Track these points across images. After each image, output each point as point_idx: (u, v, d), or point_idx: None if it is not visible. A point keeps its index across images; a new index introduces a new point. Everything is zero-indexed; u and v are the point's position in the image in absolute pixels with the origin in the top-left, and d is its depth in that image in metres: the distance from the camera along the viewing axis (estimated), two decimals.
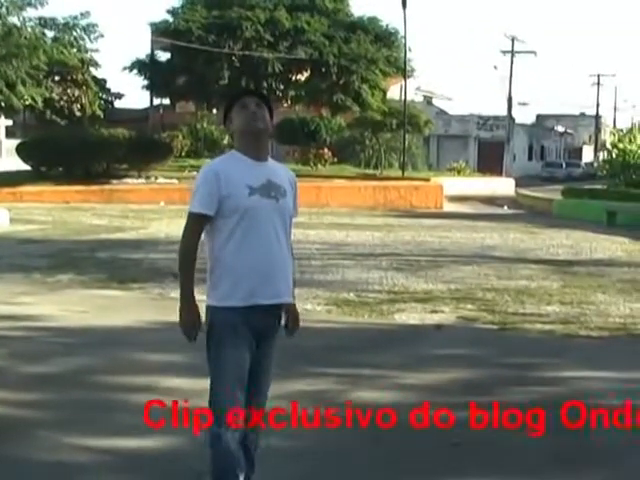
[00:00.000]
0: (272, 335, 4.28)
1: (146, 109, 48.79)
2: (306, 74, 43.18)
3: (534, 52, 64.59)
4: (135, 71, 43.41)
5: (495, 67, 63.93)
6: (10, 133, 42.99)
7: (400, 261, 15.12)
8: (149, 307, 9.62)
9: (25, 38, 36.35)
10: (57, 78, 45.41)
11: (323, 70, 41.47)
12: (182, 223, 4.29)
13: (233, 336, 4.08)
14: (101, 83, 50.12)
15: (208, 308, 4.18)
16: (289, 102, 43.86)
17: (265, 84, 41.33)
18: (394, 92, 47.77)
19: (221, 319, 4.12)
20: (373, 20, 43.86)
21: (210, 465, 4.14)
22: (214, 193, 4.10)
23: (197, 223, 4.15)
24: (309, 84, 42.60)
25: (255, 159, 4.20)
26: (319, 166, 38.91)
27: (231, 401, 4.07)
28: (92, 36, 45.68)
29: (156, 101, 49.09)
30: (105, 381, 6.89)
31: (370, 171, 42.18)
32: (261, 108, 4.23)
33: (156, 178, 34.54)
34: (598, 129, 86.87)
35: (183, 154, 42.04)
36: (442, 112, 68.78)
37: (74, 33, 45.32)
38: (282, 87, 43.07)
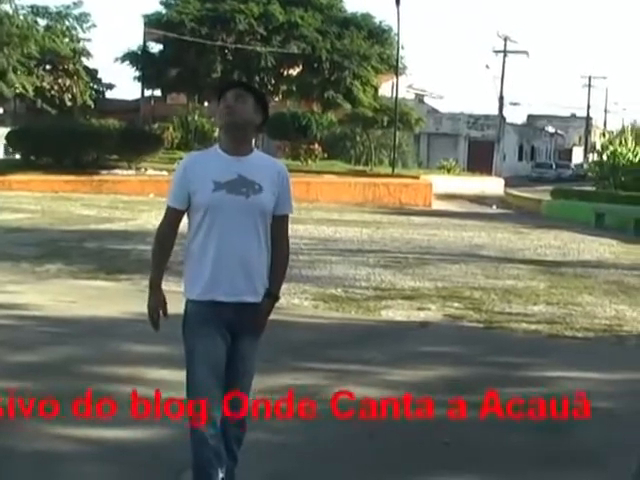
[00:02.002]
0: (247, 333, 4.23)
1: (137, 100, 48.54)
2: (298, 69, 43.09)
3: (526, 52, 64.97)
4: (127, 62, 43.25)
5: (487, 66, 64.20)
6: (0, 121, 42.89)
7: (388, 258, 15.13)
8: (136, 298, 9.40)
9: (17, 26, 36.22)
10: (48, 67, 45.43)
11: (315, 65, 41.39)
12: None
13: (204, 326, 4.10)
14: (92, 73, 50.00)
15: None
16: (281, 96, 43.78)
17: (257, 78, 41.20)
18: (386, 89, 47.80)
19: (191, 310, 4.17)
20: (366, 16, 43.79)
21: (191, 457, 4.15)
22: (183, 188, 4.17)
23: (170, 215, 4.24)
24: (301, 79, 42.53)
25: (233, 154, 4.19)
26: (309, 161, 38.87)
27: (205, 391, 4.07)
28: (84, 26, 45.86)
29: (147, 92, 48.98)
30: (91, 371, 6.88)
31: (360, 167, 42.24)
32: (242, 101, 4.18)
33: (146, 170, 34.50)
34: (588, 131, 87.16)
35: (174, 146, 41.92)
36: (433, 110, 68.89)
37: (66, 22, 45.38)
38: (274, 81, 42.94)
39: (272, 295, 4.28)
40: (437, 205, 33.04)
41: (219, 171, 4.16)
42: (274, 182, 4.24)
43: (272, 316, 4.33)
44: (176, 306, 4.24)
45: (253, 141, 4.41)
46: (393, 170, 39.37)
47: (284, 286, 4.48)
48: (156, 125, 43.50)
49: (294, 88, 43.02)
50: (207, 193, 4.13)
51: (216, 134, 40.22)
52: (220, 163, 4.18)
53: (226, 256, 4.13)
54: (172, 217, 4.24)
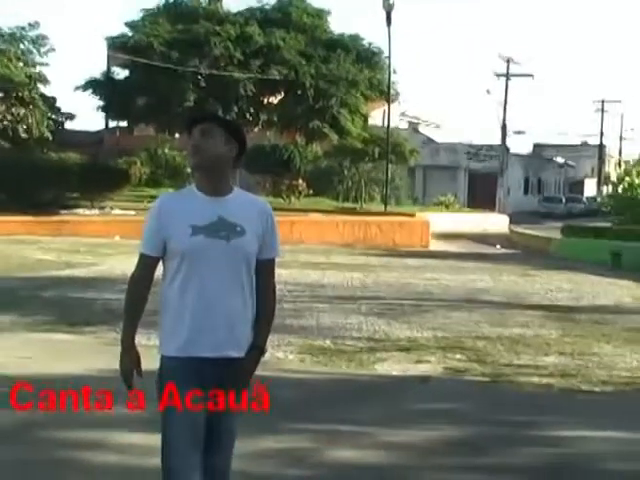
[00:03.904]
0: (231, 390, 4.22)
1: (101, 132, 48.79)
2: (280, 96, 43.27)
3: (531, 75, 65.61)
4: (89, 90, 43.25)
5: (488, 91, 64.48)
6: None
7: (382, 305, 15.11)
8: (102, 353, 9.49)
9: None
10: (0, 95, 45.19)
11: (299, 92, 41.49)
12: None
13: (182, 387, 4.10)
14: (50, 102, 49.34)
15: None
16: (261, 127, 44.00)
17: (235, 107, 41.45)
18: (377, 118, 48.21)
19: (167, 368, 4.18)
20: (355, 38, 44.09)
21: None
22: (157, 233, 4.21)
23: (144, 263, 4.27)
24: (283, 107, 42.67)
25: (211, 194, 4.23)
26: (292, 199, 39.36)
27: (181, 458, 4.05)
28: (42, 49, 44.94)
29: (112, 124, 49.19)
30: (51, 437, 6.81)
31: (349, 205, 42.50)
32: (209, 136, 4.21)
33: (111, 209, 34.58)
34: (602, 160, 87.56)
35: (142, 182, 42.07)
36: (429, 140, 69.25)
37: (21, 45, 44.84)
38: (253, 110, 43.16)
39: (258, 348, 4.28)
40: (435, 245, 33.06)
41: (197, 213, 4.18)
42: (257, 223, 4.26)
43: (256, 371, 4.30)
44: (147, 361, 4.21)
45: (232, 178, 4.41)
46: (385, 207, 39.65)
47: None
48: (122, 159, 43.54)
49: (275, 118, 43.18)
50: (184, 238, 4.14)
51: (189, 169, 40.27)
52: (197, 205, 4.21)
53: (207, 307, 4.13)
54: (146, 265, 4.26)
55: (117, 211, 34.34)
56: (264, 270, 4.30)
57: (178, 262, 4.17)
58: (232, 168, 4.35)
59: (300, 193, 40.09)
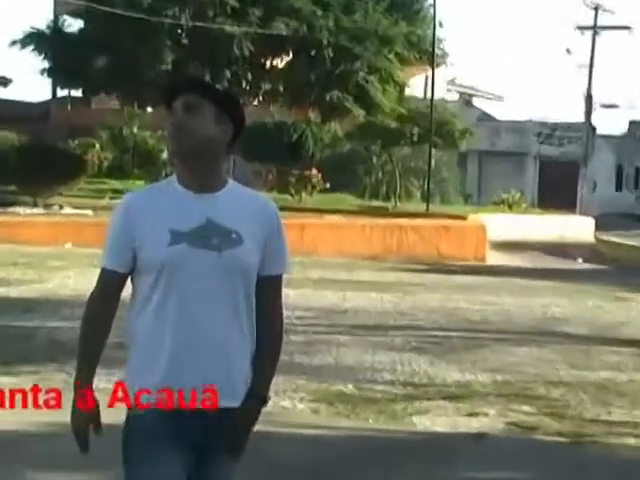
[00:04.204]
0: (221, 453, 4.25)
1: (46, 103, 48.84)
2: (287, 58, 42.92)
3: (628, 28, 64.92)
4: (30, 47, 42.91)
5: (568, 51, 63.78)
6: None
7: (422, 338, 15.08)
8: None
9: None
10: None
11: (312, 53, 41.15)
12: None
13: (156, 446, 4.12)
14: None
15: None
16: (262, 99, 43.59)
17: (227, 72, 41.11)
18: (417, 88, 48.55)
19: (137, 421, 4.19)
20: None
21: None
22: (125, 241, 4.21)
23: (106, 282, 4.26)
24: (291, 73, 42.20)
25: (197, 190, 4.24)
26: (303, 195, 38.96)
27: None
28: None
29: (61, 92, 49.49)
30: None
31: (378, 203, 42.16)
32: (194, 113, 4.22)
33: (61, 207, 34.36)
34: None
35: (102, 172, 41.87)
36: (487, 117, 69.05)
37: None
38: (251, 77, 42.62)
39: (258, 396, 4.29)
40: (494, 258, 33.01)
41: (178, 215, 4.18)
42: (259, 227, 4.26)
43: (255, 426, 4.29)
44: (111, 413, 4.22)
45: (224, 168, 4.44)
46: (428, 207, 39.47)
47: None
48: (76, 141, 43.41)
49: (281, 87, 42.76)
50: (161, 248, 4.14)
51: (165, 155, 40.42)
52: (179, 203, 4.22)
53: (191, 341, 4.14)
54: (110, 284, 4.25)
55: (68, 210, 33.95)
56: (267, 290, 4.31)
57: (153, 280, 4.17)
58: (225, 155, 4.35)
59: (314, 187, 39.44)
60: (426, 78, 46.26)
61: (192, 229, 4.16)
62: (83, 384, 4.22)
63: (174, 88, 4.35)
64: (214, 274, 4.15)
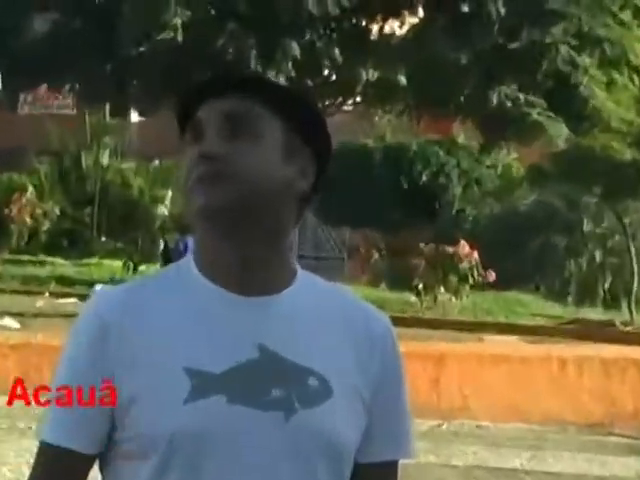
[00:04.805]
0: None
1: None
2: (413, 20, 30.19)
3: None
4: None
5: None
6: None
7: None
8: None
9: None
10: None
11: (465, 8, 27.98)
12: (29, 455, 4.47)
13: None
14: None
15: None
16: (358, 99, 32.23)
17: (294, 46, 28.24)
18: None
19: None
20: None
21: None
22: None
23: (52, 471, 2.68)
24: (421, 48, 29.22)
25: (239, 287, 2.56)
26: (447, 295, 27.40)
27: None
28: None
29: None
30: None
31: (596, 315, 30.27)
32: (243, 134, 2.50)
33: None
34: None
35: (40, 241, 35.53)
36: None
37: None
38: (341, 56, 29.46)
39: None
40: None
41: (203, 341, 2.59)
42: (360, 366, 2.66)
43: None
44: None
45: (292, 243, 2.77)
46: None
47: None
48: None
49: (401, 76, 30.36)
50: (171, 406, 2.55)
51: (163, 210, 36.12)
52: (203, 318, 2.61)
53: None
54: (62, 470, 2.67)
55: None
56: None
57: (152, 470, 2.56)
58: (297, 216, 2.66)
59: (465, 281, 27.05)
60: None
61: (232, 369, 2.56)
62: None
63: (201, 87, 2.66)
64: (276, 456, 2.55)
